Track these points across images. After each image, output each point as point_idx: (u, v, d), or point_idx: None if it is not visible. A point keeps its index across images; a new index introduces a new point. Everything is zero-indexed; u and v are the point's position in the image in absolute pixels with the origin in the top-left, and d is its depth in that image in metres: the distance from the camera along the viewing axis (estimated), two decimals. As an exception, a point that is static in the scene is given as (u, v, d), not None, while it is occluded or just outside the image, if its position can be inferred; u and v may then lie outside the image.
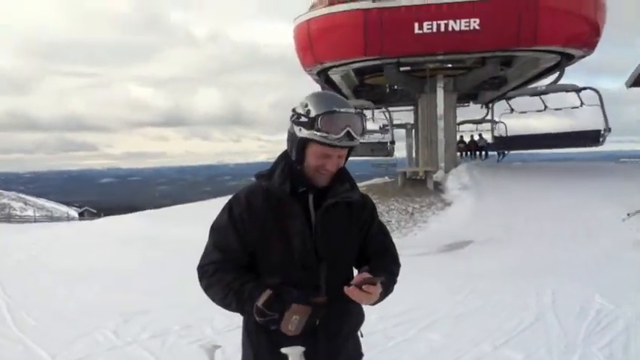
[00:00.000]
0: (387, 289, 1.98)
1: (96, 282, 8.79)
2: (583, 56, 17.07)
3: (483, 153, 25.97)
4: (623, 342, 4.80)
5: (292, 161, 1.95)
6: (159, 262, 10.74)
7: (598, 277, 7.21)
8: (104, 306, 6.92)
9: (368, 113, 21.81)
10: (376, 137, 21.01)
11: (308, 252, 1.93)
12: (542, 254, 9.21)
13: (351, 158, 2.05)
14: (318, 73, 18.22)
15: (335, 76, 18.81)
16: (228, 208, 2.00)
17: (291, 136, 1.94)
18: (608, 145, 18.37)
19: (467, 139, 26.30)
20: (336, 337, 2.00)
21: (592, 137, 17.85)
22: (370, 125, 21.93)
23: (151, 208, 21.00)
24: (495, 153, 24.54)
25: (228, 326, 5.32)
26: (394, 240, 2.19)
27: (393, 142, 19.81)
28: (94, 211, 54.83)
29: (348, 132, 1.83)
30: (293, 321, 1.78)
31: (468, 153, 26.28)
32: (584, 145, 18.64)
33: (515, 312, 5.76)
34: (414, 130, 22.89)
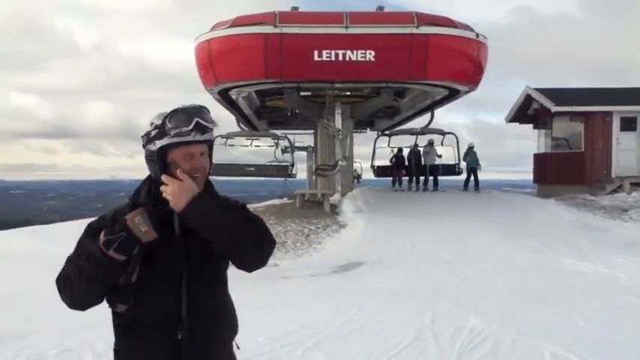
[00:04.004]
0: (216, 205, 1.98)
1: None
2: (468, 91, 18.40)
3: (431, 178, 20.17)
4: (491, 359, 5.25)
5: (157, 181, 1.98)
6: (39, 282, 10.02)
7: (473, 299, 7.76)
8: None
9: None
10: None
11: (172, 264, 1.99)
12: (425, 276, 9.75)
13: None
14: (220, 93, 18.13)
15: (236, 96, 18.81)
16: (90, 225, 2.05)
17: (150, 155, 1.99)
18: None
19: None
20: (204, 340, 2.03)
21: (283, 170, 19.58)
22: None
23: (37, 224, 19.62)
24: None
25: (109, 350, 5.12)
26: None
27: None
28: (-34, 226, 49.93)
29: (198, 122, 1.91)
30: (138, 221, 1.83)
31: (398, 179, 20.67)
32: (279, 176, 20.19)
33: (397, 331, 6.08)
34: (314, 154, 23.32)
